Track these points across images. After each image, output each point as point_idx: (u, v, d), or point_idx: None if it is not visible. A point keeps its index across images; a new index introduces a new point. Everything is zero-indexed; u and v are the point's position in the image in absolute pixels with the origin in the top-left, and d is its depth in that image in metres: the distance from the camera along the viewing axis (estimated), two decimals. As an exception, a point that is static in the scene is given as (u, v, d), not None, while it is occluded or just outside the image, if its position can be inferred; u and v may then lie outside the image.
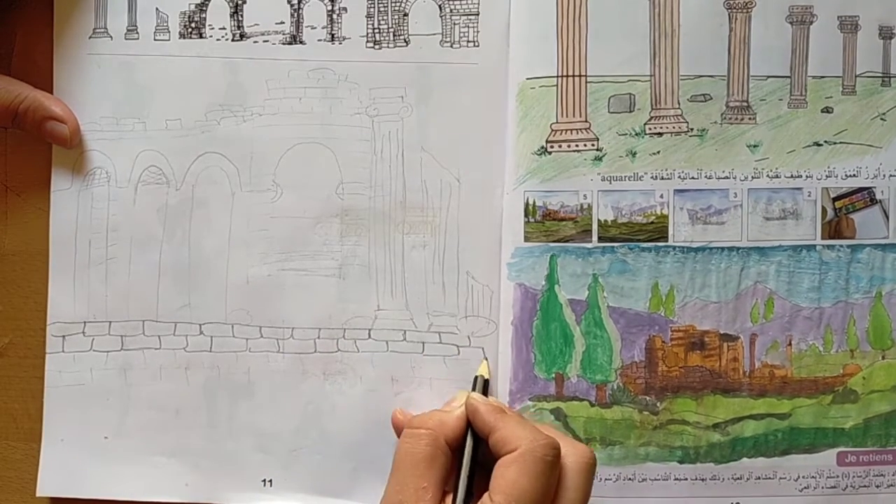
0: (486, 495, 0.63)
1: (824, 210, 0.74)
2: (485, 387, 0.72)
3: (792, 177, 0.74)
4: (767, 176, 0.74)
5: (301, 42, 0.75)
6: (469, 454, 0.67)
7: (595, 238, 0.74)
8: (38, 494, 0.74)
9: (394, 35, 0.75)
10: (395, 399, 0.74)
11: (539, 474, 0.63)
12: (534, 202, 0.74)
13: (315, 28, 0.75)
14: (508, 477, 0.63)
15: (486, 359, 0.74)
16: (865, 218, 0.74)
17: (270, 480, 0.75)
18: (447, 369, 0.75)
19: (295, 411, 0.75)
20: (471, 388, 0.72)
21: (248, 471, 0.75)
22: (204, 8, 0.75)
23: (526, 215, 0.74)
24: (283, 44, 0.75)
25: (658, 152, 0.74)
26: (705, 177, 0.74)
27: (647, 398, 0.74)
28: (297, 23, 0.75)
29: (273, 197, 0.75)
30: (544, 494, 0.63)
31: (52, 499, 0.75)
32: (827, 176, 0.74)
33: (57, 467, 0.74)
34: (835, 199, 0.74)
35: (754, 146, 0.74)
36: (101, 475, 0.74)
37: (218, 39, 0.75)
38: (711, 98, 0.74)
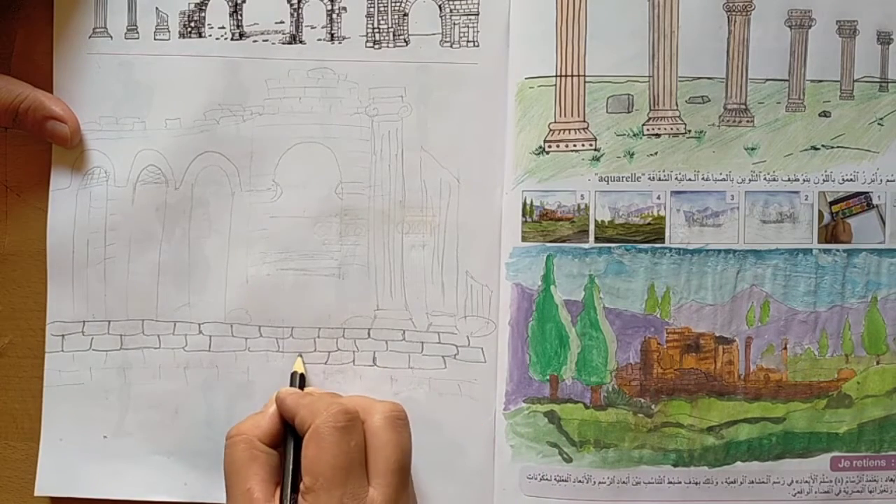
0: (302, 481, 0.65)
1: (821, 214, 0.74)
2: (301, 382, 0.73)
3: (789, 180, 0.74)
4: (765, 179, 0.74)
5: (301, 42, 0.75)
6: (291, 446, 0.69)
7: (592, 238, 0.74)
8: (36, 494, 0.74)
9: (394, 35, 0.75)
10: (394, 399, 0.74)
11: (334, 444, 0.64)
12: (531, 202, 0.74)
13: (315, 28, 0.75)
14: (309, 455, 0.65)
15: (301, 355, 0.75)
16: (862, 222, 0.74)
17: (269, 479, 0.75)
18: (446, 369, 0.75)
19: (293, 410, 0.75)
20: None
21: (247, 470, 0.75)
22: (203, 7, 0.75)
23: (523, 215, 0.74)
24: (283, 43, 0.75)
25: (656, 153, 0.74)
26: (702, 179, 0.74)
27: (642, 400, 0.74)
28: (297, 22, 0.75)
29: (272, 196, 0.75)
30: (347, 460, 0.64)
31: (52, 498, 0.75)
32: (824, 180, 0.74)
33: (56, 467, 0.75)
34: (832, 203, 0.74)
35: (752, 149, 0.74)
36: (100, 474, 0.74)
37: (217, 39, 0.75)
38: (710, 100, 0.74)
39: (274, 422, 0.69)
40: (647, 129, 0.74)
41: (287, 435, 0.69)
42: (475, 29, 0.75)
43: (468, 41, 0.75)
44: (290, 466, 0.68)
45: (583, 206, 0.74)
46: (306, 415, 0.67)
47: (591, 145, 0.74)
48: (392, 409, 0.68)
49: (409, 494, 0.69)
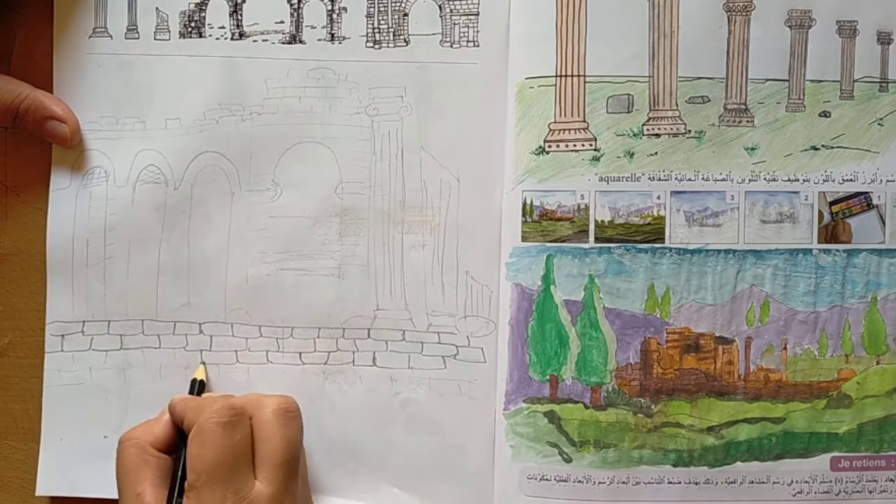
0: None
1: (821, 214, 0.74)
2: (201, 389, 0.74)
3: (789, 180, 0.74)
4: (764, 179, 0.74)
5: (301, 41, 0.75)
6: (184, 451, 0.68)
7: (592, 238, 0.74)
8: (37, 494, 0.75)
9: (394, 35, 0.75)
10: (394, 399, 0.75)
11: (216, 439, 0.65)
12: (531, 202, 0.74)
13: (315, 28, 0.75)
14: (192, 452, 0.65)
15: (204, 363, 0.75)
16: (862, 222, 0.74)
17: (269, 479, 0.75)
18: (446, 369, 0.75)
19: (293, 410, 0.75)
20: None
21: (247, 469, 0.75)
22: (203, 7, 0.75)
23: (523, 215, 0.74)
24: (283, 43, 0.75)
25: (656, 153, 0.74)
26: (702, 179, 0.74)
27: (642, 400, 0.74)
28: (297, 22, 0.75)
29: (272, 196, 0.75)
30: (230, 455, 0.64)
31: (52, 498, 0.75)
32: (824, 180, 0.74)
33: (56, 467, 0.75)
34: (831, 203, 0.74)
35: (752, 149, 0.74)
36: (101, 474, 0.74)
37: (217, 39, 0.75)
38: (710, 100, 0.74)
39: (167, 428, 0.69)
40: (647, 129, 0.74)
41: (180, 441, 0.69)
42: (475, 29, 0.75)
43: (468, 41, 0.75)
44: (180, 470, 0.68)
45: (583, 206, 0.74)
46: (193, 416, 0.67)
47: (591, 145, 0.74)
48: (281, 403, 0.68)
49: (301, 486, 0.69)
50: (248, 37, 0.75)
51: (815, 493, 0.74)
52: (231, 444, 0.65)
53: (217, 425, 0.65)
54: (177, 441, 0.69)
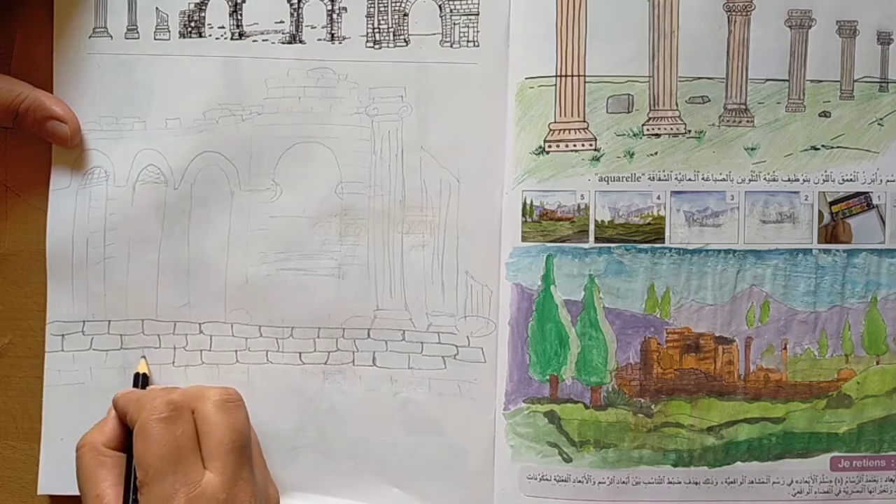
0: None
1: (821, 214, 0.74)
2: (144, 382, 0.74)
3: (789, 180, 0.74)
4: (765, 179, 0.74)
5: (301, 41, 0.75)
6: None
7: (592, 238, 0.74)
8: (38, 493, 0.75)
9: (394, 35, 0.75)
10: (393, 399, 0.75)
11: (158, 435, 0.65)
12: (531, 202, 0.74)
13: (315, 27, 0.75)
14: (138, 450, 0.66)
15: (145, 357, 0.75)
16: (862, 222, 0.74)
17: (269, 479, 0.75)
18: (446, 369, 0.75)
19: (294, 410, 0.75)
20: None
21: (247, 469, 0.75)
22: (203, 7, 0.75)
23: (523, 215, 0.74)
24: (283, 43, 0.75)
25: (656, 153, 0.74)
26: (702, 179, 0.74)
27: (642, 400, 0.74)
28: (297, 22, 0.75)
29: (272, 196, 0.75)
30: (174, 448, 0.65)
31: (52, 497, 0.75)
32: (824, 180, 0.74)
33: (57, 466, 0.74)
34: (831, 204, 0.74)
35: (752, 149, 0.74)
36: (101, 474, 0.74)
37: (217, 38, 0.75)
38: (710, 100, 0.74)
39: (115, 425, 0.70)
40: (647, 129, 0.74)
41: (130, 437, 0.69)
42: (475, 29, 0.75)
43: (468, 41, 0.75)
44: (133, 466, 0.68)
45: (583, 206, 0.74)
46: (134, 412, 0.68)
47: (591, 145, 0.74)
48: (222, 393, 0.69)
49: (257, 473, 0.69)
50: (248, 37, 0.75)
51: (815, 493, 0.74)
52: (173, 438, 0.65)
53: (157, 421, 0.66)
54: (128, 437, 0.69)
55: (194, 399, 0.68)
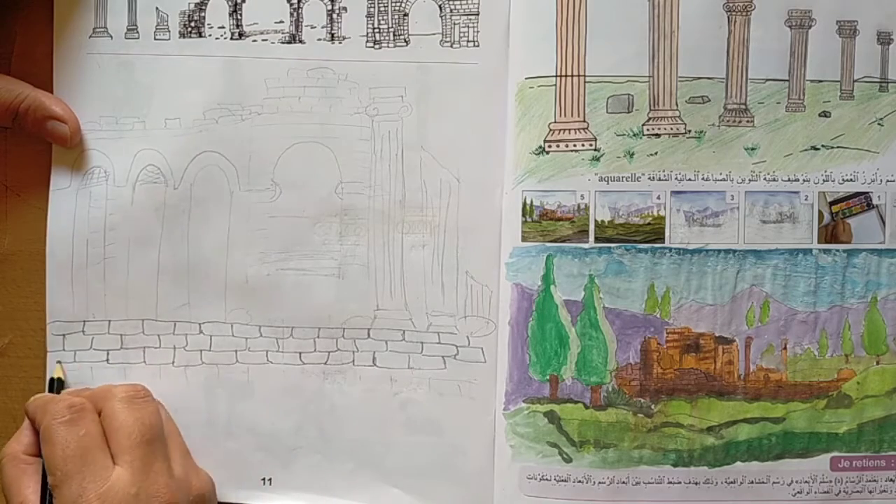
0: None
1: (821, 214, 0.74)
2: (59, 387, 0.74)
3: (789, 180, 0.74)
4: (764, 179, 0.74)
5: (300, 41, 0.75)
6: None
7: (592, 238, 0.74)
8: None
9: (394, 35, 0.75)
10: (393, 399, 0.75)
11: (61, 438, 0.67)
12: (531, 202, 0.74)
13: (315, 27, 0.75)
14: (46, 455, 0.67)
15: (60, 362, 0.75)
16: (862, 222, 0.74)
17: (270, 479, 0.75)
18: (446, 369, 0.75)
19: (294, 410, 0.75)
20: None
21: (248, 470, 0.75)
22: (203, 7, 0.75)
23: (523, 215, 0.74)
24: (283, 43, 0.75)
25: (656, 153, 0.74)
26: (702, 179, 0.74)
27: (642, 400, 0.74)
28: (297, 22, 0.75)
29: (272, 196, 0.75)
30: (78, 449, 0.66)
31: (52, 497, 0.75)
32: (824, 180, 0.74)
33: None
34: (831, 204, 0.74)
35: (752, 149, 0.74)
36: (101, 474, 0.74)
37: (217, 38, 0.75)
38: (710, 100, 0.74)
39: (30, 433, 0.71)
40: (647, 129, 0.74)
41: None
42: (475, 29, 0.75)
43: (468, 41, 0.75)
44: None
45: (583, 206, 0.74)
46: (40, 417, 0.69)
47: (591, 145, 0.74)
48: (129, 390, 0.70)
49: (179, 464, 0.70)
50: (248, 37, 0.75)
51: (815, 493, 0.74)
52: (76, 439, 0.66)
53: (59, 425, 0.67)
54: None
55: (101, 399, 0.70)
